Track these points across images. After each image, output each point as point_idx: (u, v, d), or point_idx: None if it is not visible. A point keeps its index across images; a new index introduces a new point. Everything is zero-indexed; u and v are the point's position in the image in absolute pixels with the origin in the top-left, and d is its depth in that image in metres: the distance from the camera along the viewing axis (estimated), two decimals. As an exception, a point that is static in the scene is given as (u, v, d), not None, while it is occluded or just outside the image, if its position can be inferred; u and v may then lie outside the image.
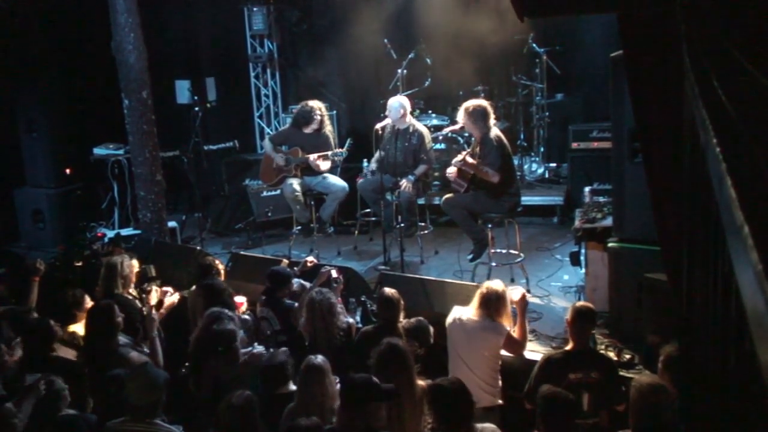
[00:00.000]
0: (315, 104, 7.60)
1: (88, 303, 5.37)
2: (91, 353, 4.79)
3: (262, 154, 7.97)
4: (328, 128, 7.71)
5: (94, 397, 4.47)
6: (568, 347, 4.45)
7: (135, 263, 5.73)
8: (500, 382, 4.78)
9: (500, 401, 4.72)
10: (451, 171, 6.47)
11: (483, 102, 6.46)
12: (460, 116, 6.39)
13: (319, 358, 4.14)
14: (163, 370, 4.27)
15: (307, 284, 5.55)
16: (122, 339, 4.94)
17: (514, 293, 4.94)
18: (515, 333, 4.85)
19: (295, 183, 7.46)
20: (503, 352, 4.84)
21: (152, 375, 3.95)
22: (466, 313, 4.82)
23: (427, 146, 7.24)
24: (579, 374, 4.22)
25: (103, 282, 5.62)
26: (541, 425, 3.66)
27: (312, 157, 7.34)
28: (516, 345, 4.87)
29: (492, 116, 6.38)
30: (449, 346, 4.84)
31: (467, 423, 3.60)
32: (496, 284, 4.81)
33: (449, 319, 4.87)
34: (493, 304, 4.72)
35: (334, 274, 5.35)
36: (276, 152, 7.61)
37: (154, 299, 5.41)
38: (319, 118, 7.53)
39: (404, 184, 6.97)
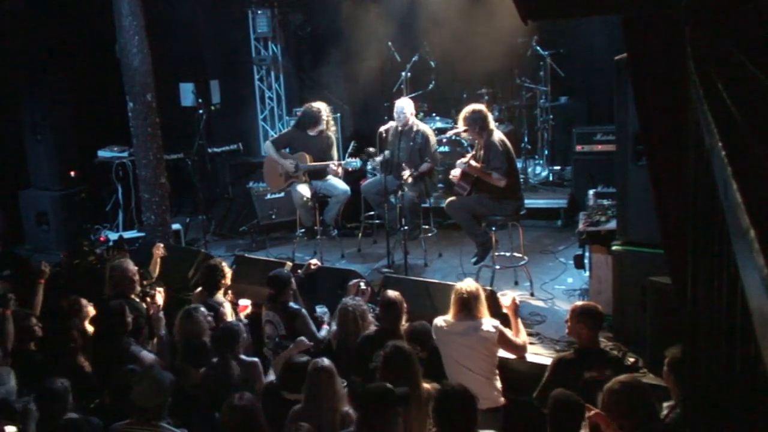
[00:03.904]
0: (321, 106, 7.61)
1: (87, 307, 5.39)
2: (102, 353, 4.81)
3: (265, 157, 7.95)
4: (332, 130, 7.72)
5: (102, 396, 4.48)
6: (578, 346, 4.46)
7: (132, 267, 5.73)
8: (500, 382, 4.79)
9: (503, 400, 4.72)
10: (455, 173, 6.46)
11: (478, 106, 6.46)
12: (460, 124, 6.40)
13: (326, 361, 4.14)
14: (169, 372, 4.28)
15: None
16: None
17: (504, 299, 4.96)
18: (512, 336, 4.85)
19: (304, 188, 7.46)
20: (507, 355, 4.84)
21: (158, 377, 3.96)
22: (449, 319, 4.82)
23: (431, 146, 7.24)
24: (594, 372, 4.23)
25: (108, 288, 5.67)
26: (550, 428, 3.65)
27: (332, 165, 7.35)
28: (514, 346, 4.87)
29: (491, 119, 6.38)
30: (443, 355, 4.82)
31: (469, 429, 3.58)
32: (469, 284, 4.85)
33: (435, 329, 4.84)
34: (472, 303, 4.74)
35: (362, 285, 5.53)
36: (281, 157, 7.60)
37: (160, 300, 5.44)
38: (325, 119, 7.54)
39: (406, 174, 6.90)
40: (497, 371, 4.78)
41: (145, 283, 6.00)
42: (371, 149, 7.56)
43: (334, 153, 7.61)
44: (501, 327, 4.79)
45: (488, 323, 4.75)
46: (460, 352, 4.74)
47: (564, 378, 4.22)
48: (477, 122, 6.26)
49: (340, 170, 7.43)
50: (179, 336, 4.95)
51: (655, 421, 3.62)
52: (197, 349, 4.76)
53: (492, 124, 6.38)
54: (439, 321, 4.86)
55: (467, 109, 6.37)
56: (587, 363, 4.28)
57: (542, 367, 4.82)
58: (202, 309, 5.03)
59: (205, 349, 4.79)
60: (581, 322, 4.39)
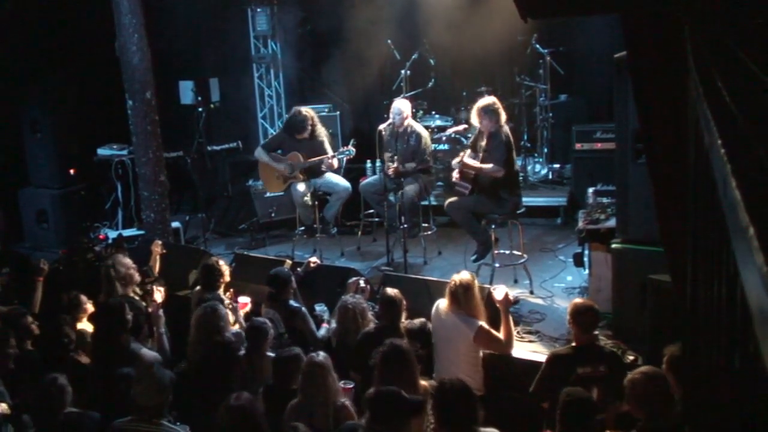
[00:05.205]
0: (307, 112, 7.62)
1: (86, 304, 5.39)
2: (102, 351, 4.82)
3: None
4: (323, 133, 7.70)
5: (102, 395, 4.48)
6: (574, 343, 4.48)
7: (128, 261, 5.75)
8: (481, 374, 4.81)
9: (479, 392, 4.71)
10: (456, 177, 6.46)
11: (498, 102, 6.43)
12: (474, 112, 6.35)
13: (321, 356, 4.15)
14: (169, 370, 4.28)
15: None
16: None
17: (497, 293, 4.96)
18: (500, 332, 4.84)
19: (303, 187, 7.47)
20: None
21: (159, 376, 3.96)
22: (443, 306, 4.86)
23: (425, 147, 7.23)
24: (587, 368, 4.24)
25: (104, 287, 5.66)
26: (559, 425, 3.65)
27: (327, 158, 7.36)
28: (497, 343, 4.85)
29: (504, 116, 6.37)
30: (433, 339, 4.90)
31: (470, 425, 3.58)
32: (463, 276, 4.86)
33: (434, 312, 4.93)
34: (461, 296, 4.76)
35: (362, 283, 5.54)
36: (274, 160, 7.60)
37: (159, 298, 5.43)
38: (310, 126, 7.54)
39: (391, 169, 6.89)
40: (477, 366, 4.80)
41: (147, 280, 6.00)
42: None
43: (328, 149, 7.61)
44: (484, 326, 4.77)
45: (471, 323, 4.74)
46: (442, 340, 4.82)
47: (558, 373, 4.25)
48: (496, 113, 6.24)
49: (335, 162, 7.44)
50: (199, 331, 4.86)
51: (673, 411, 3.62)
52: (226, 347, 4.77)
53: (503, 120, 6.36)
54: (437, 305, 4.93)
55: (487, 101, 6.34)
56: (582, 359, 4.30)
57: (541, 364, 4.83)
58: (221, 305, 5.06)
59: (231, 346, 4.80)
60: (574, 320, 4.41)
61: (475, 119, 6.37)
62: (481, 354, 4.86)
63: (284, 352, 4.46)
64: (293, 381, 4.23)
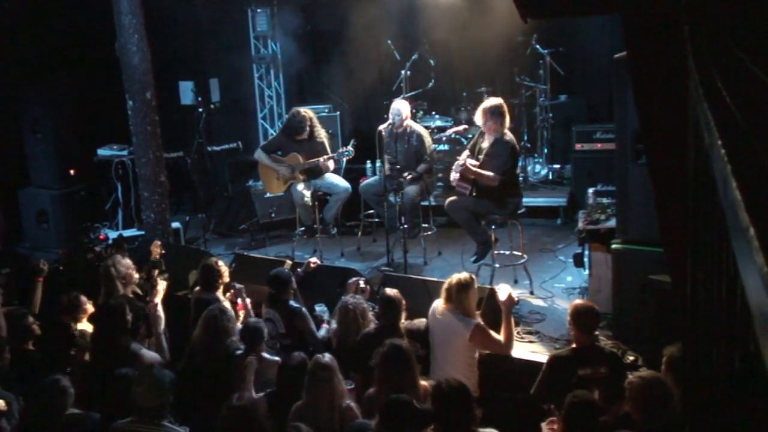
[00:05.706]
0: (305, 112, 7.62)
1: (86, 305, 5.40)
2: (102, 351, 4.82)
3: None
4: (322, 133, 7.70)
5: (102, 395, 4.48)
6: (574, 345, 4.48)
7: (128, 261, 5.77)
8: (477, 375, 4.81)
9: (475, 393, 4.70)
10: (454, 177, 6.45)
11: (505, 105, 6.41)
12: (479, 112, 6.32)
13: (327, 357, 4.14)
14: (169, 371, 4.28)
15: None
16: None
17: (501, 293, 4.96)
18: (501, 332, 4.84)
19: (304, 188, 7.48)
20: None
21: (159, 377, 3.96)
22: (439, 305, 4.87)
23: (427, 147, 7.24)
24: (588, 370, 4.25)
25: (104, 287, 5.66)
26: (562, 426, 3.65)
27: (322, 159, 7.37)
28: (495, 343, 4.84)
29: (508, 121, 6.35)
30: (429, 339, 4.91)
31: (468, 425, 3.58)
32: (460, 275, 4.87)
33: (430, 313, 4.94)
34: (454, 294, 4.76)
35: (361, 283, 5.54)
36: (274, 161, 7.61)
37: (161, 289, 5.43)
38: (309, 127, 7.54)
39: (408, 176, 6.97)
40: (473, 367, 4.80)
41: (157, 272, 6.02)
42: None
43: (328, 150, 7.62)
44: (481, 325, 4.77)
45: (468, 322, 4.75)
46: (438, 340, 4.82)
47: (559, 375, 4.25)
48: (502, 115, 6.23)
49: (331, 163, 7.44)
50: (207, 332, 4.84)
51: (668, 416, 3.63)
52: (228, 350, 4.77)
53: (507, 123, 6.35)
54: (434, 305, 4.94)
55: (494, 102, 6.32)
56: (582, 360, 4.30)
57: (541, 365, 4.82)
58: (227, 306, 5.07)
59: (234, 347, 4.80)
60: (574, 321, 4.42)
61: (479, 119, 6.33)
62: (477, 355, 4.86)
63: (290, 360, 4.41)
64: (300, 389, 4.17)
